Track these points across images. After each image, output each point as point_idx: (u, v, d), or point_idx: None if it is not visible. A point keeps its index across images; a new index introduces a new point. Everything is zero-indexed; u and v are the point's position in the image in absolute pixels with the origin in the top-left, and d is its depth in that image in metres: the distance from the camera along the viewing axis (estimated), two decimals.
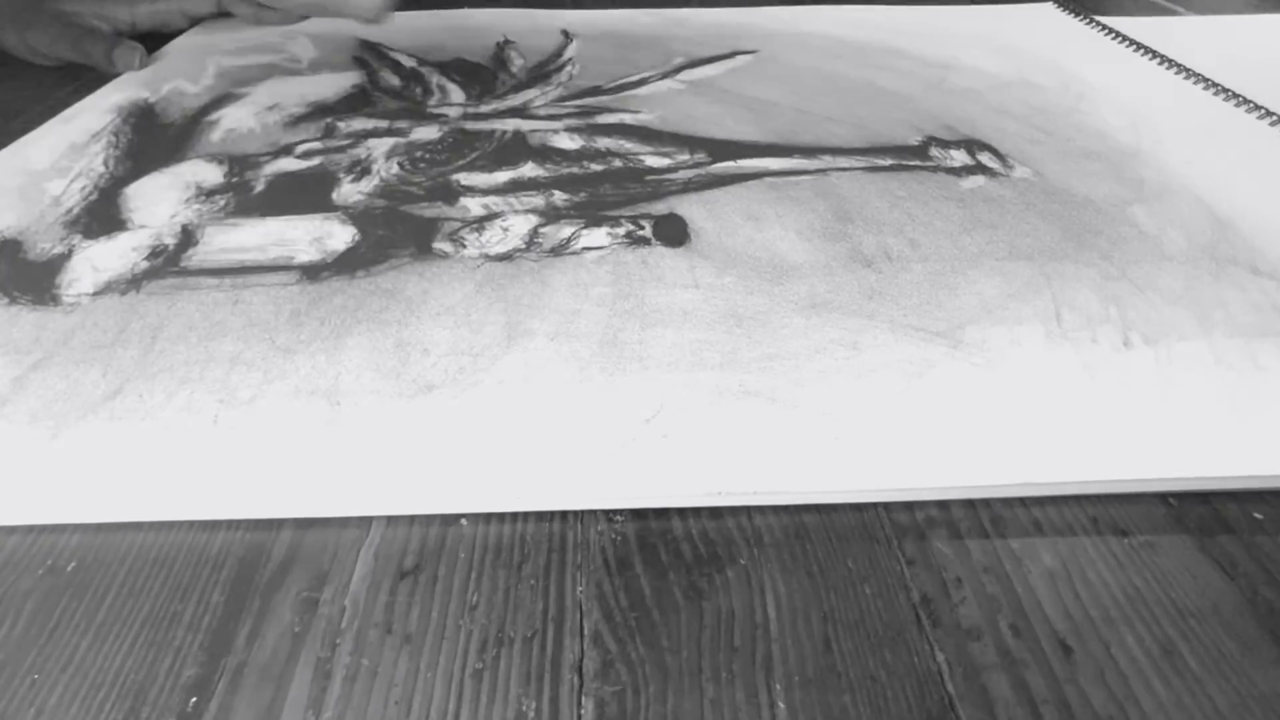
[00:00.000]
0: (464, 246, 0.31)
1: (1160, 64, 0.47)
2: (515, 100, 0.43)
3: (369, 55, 0.50)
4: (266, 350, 0.26)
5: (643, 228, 0.32)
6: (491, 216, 0.32)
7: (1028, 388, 0.24)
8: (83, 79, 0.46)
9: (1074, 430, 0.23)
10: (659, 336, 0.26)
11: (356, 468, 0.22)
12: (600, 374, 0.25)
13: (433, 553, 0.20)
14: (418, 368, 0.25)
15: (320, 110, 0.42)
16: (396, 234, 0.31)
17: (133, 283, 0.29)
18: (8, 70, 0.48)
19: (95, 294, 0.28)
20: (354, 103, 0.43)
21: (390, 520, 0.21)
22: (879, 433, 0.22)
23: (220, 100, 0.44)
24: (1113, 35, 0.51)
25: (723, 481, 0.21)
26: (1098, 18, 0.54)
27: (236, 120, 0.41)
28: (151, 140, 0.39)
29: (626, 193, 0.34)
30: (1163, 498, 0.22)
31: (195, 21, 0.55)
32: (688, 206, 0.33)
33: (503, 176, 0.35)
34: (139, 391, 0.24)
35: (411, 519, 0.21)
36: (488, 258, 0.30)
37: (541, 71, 0.47)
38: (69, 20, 0.48)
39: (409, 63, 0.48)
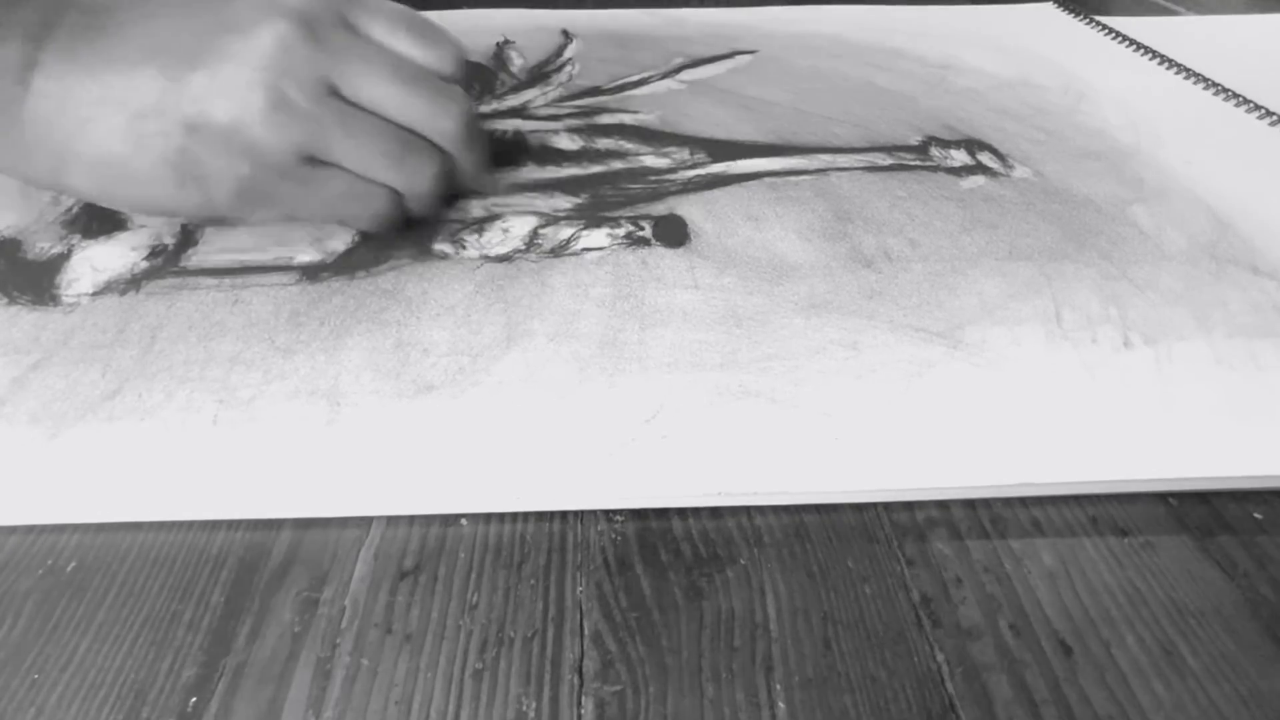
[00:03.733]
0: (464, 247, 0.31)
1: (1160, 64, 0.47)
2: (515, 100, 0.43)
3: None
4: (266, 350, 0.26)
5: (642, 228, 0.32)
6: (491, 218, 0.32)
7: (1028, 388, 0.24)
8: None
9: (1074, 430, 0.23)
10: (659, 337, 0.26)
11: (356, 468, 0.22)
12: (600, 374, 0.25)
13: (433, 553, 0.20)
14: (417, 368, 0.25)
15: None
16: (396, 235, 0.31)
17: (132, 283, 0.29)
18: None
19: (94, 294, 0.28)
20: None
21: (390, 520, 0.21)
22: (879, 433, 0.22)
23: None
24: (1113, 35, 0.51)
25: (723, 482, 0.21)
26: (1098, 18, 0.54)
27: None
28: None
29: (626, 193, 0.34)
30: (1163, 498, 0.22)
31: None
32: (687, 207, 0.33)
33: (502, 178, 0.35)
34: (138, 391, 0.24)
35: (411, 519, 0.21)
36: (487, 259, 0.30)
37: (541, 71, 0.47)
38: None
39: None
